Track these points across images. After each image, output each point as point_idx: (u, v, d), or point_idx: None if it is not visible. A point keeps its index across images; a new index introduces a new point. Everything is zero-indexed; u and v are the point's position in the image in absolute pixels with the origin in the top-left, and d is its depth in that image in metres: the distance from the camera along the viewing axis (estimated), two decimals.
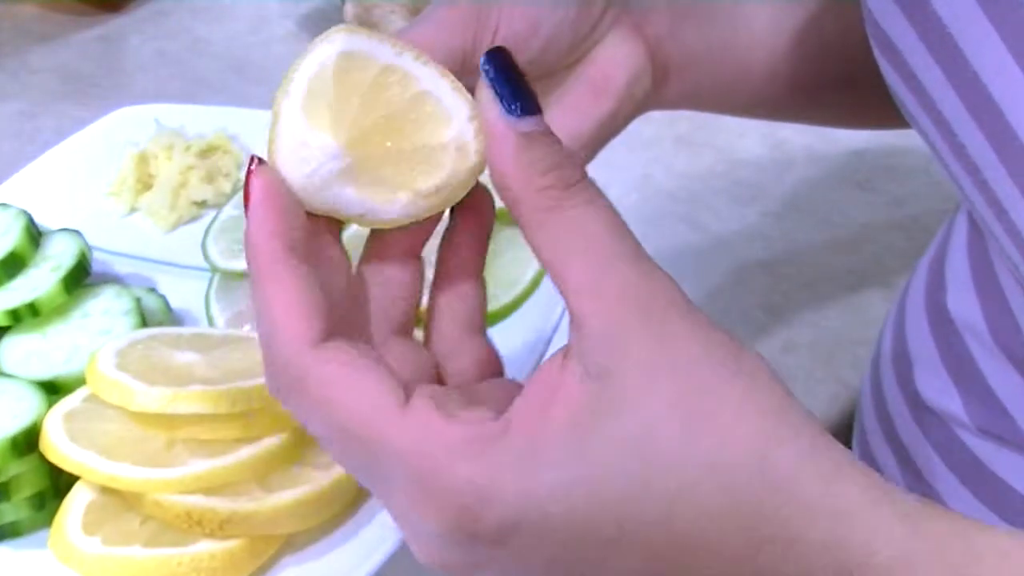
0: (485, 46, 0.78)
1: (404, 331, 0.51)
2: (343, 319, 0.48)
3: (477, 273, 0.51)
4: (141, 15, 1.29)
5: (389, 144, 0.47)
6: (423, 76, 0.48)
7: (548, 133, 0.46)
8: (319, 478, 0.63)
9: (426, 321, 0.51)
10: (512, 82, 0.46)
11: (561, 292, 0.45)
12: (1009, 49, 0.55)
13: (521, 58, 0.79)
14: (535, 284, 0.67)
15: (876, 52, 0.66)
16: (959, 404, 0.68)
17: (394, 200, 0.47)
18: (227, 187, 0.81)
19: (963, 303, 0.67)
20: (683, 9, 0.83)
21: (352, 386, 0.45)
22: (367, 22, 1.09)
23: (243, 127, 0.84)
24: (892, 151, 1.12)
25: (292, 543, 0.63)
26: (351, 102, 0.47)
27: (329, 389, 0.45)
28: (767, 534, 0.46)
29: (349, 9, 1.11)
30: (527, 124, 0.46)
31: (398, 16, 1.09)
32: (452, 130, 0.47)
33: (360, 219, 0.48)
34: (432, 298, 0.51)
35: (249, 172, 0.47)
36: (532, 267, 0.68)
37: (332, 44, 0.48)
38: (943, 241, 0.72)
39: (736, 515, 0.46)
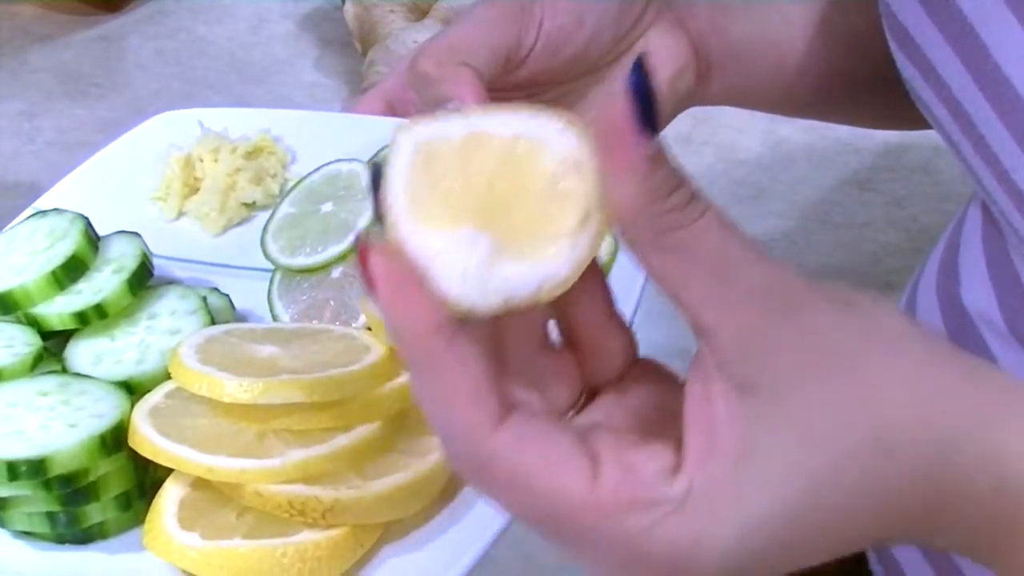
0: (530, 42, 0.78)
1: (546, 342, 0.50)
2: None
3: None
4: (141, 15, 1.28)
5: (511, 203, 0.44)
6: (499, 124, 0.45)
7: (666, 152, 0.44)
8: (416, 464, 0.63)
9: (561, 319, 0.49)
10: (652, 99, 0.43)
11: (684, 309, 0.45)
12: None
13: (565, 53, 0.80)
14: (612, 259, 0.66)
15: (893, 46, 0.67)
16: None
17: (557, 252, 0.44)
18: (275, 188, 0.80)
19: (978, 295, 0.68)
20: (723, 4, 0.84)
21: (540, 468, 0.45)
22: (367, 21, 1.08)
23: (286, 128, 0.83)
24: (892, 151, 1.14)
25: (391, 533, 0.63)
26: (453, 186, 0.44)
27: (517, 474, 0.45)
28: (943, 499, 0.47)
29: (349, 9, 1.10)
30: (654, 146, 0.43)
31: (398, 16, 1.09)
32: (557, 153, 0.44)
33: (538, 294, 0.44)
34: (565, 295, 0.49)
35: (363, 254, 0.44)
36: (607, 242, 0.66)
37: (401, 147, 0.45)
38: (954, 235, 0.73)
39: (912, 490, 0.47)
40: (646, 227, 0.43)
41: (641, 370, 0.50)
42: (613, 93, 0.43)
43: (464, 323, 0.44)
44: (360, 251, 0.45)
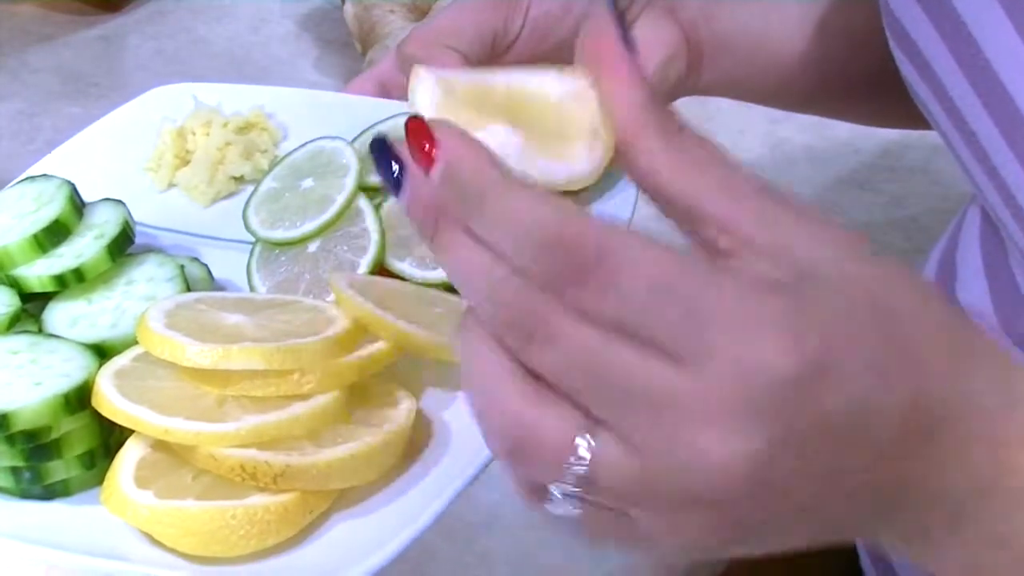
0: (516, 27, 0.79)
1: None
2: None
3: None
4: (141, 15, 1.29)
5: (529, 119, 0.48)
6: (498, 78, 0.50)
7: None
8: (370, 435, 0.64)
9: None
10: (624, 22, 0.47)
11: (697, 206, 0.47)
12: (1021, 36, 0.57)
13: (552, 38, 0.81)
14: None
15: (892, 43, 0.68)
16: None
17: (578, 152, 0.49)
18: (264, 163, 0.81)
19: (973, 291, 0.68)
20: None
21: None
22: (366, 21, 1.09)
23: (280, 105, 0.85)
24: (892, 151, 1.13)
25: (344, 500, 0.64)
26: (476, 101, 0.49)
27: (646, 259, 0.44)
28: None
29: (349, 9, 1.11)
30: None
31: (397, 16, 1.09)
32: (559, 89, 0.48)
33: (568, 186, 0.49)
34: None
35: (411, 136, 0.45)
36: None
37: (423, 77, 0.51)
38: (954, 234, 0.73)
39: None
40: (652, 127, 0.47)
41: None
42: (594, 21, 0.46)
43: None
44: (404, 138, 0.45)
